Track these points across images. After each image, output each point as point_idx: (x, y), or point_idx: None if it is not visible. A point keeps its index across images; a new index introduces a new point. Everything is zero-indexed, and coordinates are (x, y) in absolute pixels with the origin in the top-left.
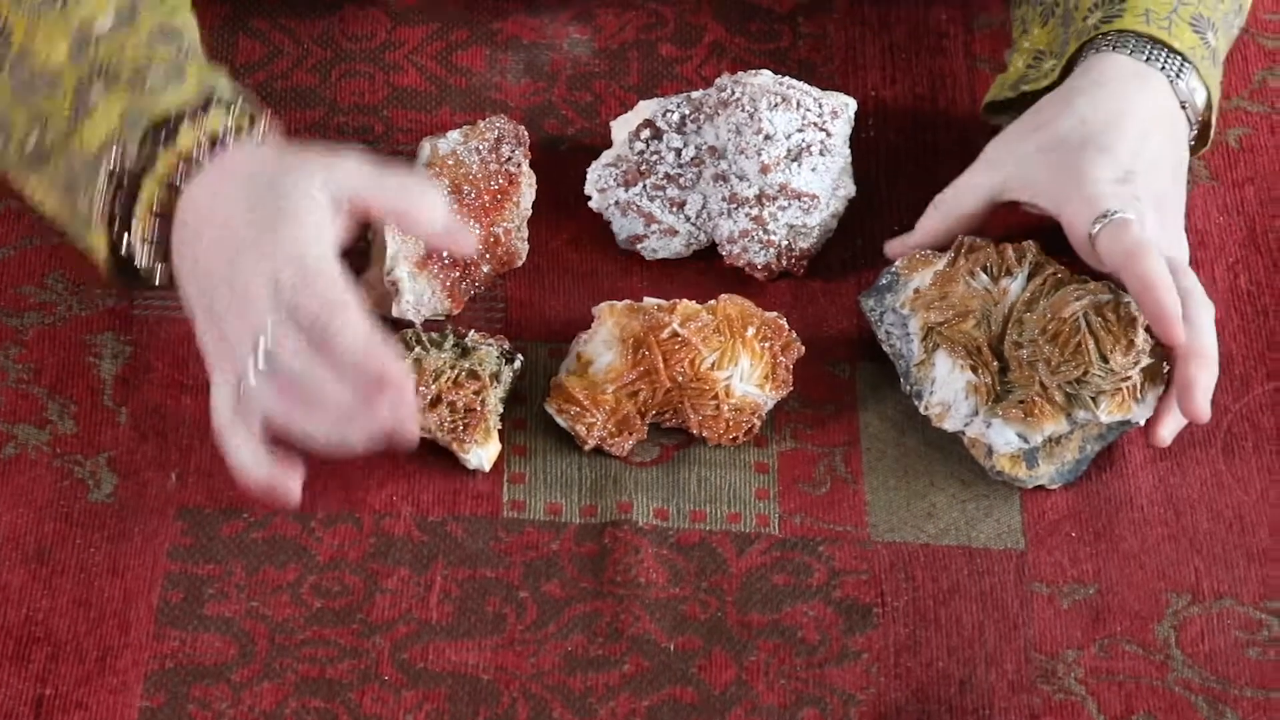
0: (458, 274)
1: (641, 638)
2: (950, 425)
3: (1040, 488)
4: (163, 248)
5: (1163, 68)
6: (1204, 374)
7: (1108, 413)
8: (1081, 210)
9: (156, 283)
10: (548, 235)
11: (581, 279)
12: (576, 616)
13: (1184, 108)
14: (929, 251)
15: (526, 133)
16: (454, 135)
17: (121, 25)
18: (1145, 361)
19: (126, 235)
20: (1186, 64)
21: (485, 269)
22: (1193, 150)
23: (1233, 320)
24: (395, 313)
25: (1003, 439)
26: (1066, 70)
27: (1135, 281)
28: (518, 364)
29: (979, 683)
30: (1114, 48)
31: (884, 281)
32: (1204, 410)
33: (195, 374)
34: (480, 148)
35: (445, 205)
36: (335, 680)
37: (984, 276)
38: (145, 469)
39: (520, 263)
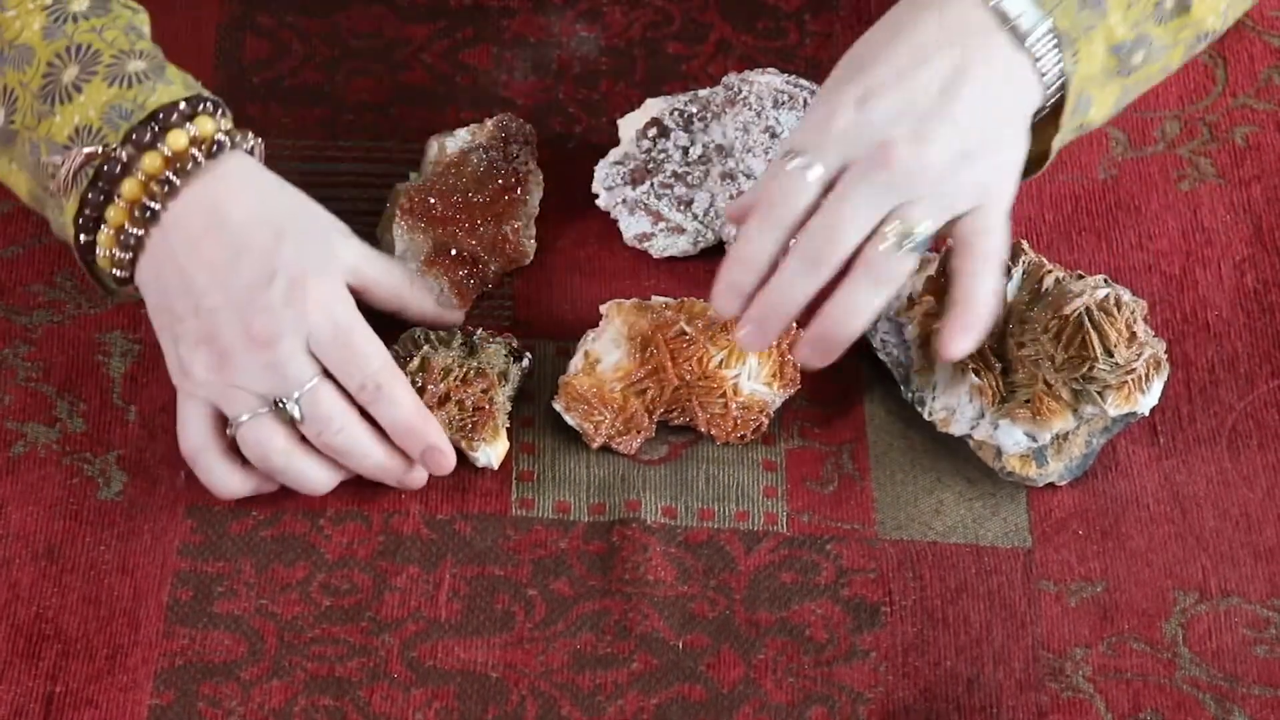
0: (465, 272)
1: (650, 636)
2: (957, 429)
3: (1050, 485)
4: (132, 252)
5: None
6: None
7: (1115, 406)
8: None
9: (110, 287)
10: (555, 233)
11: (589, 277)
12: (585, 615)
13: (1020, 39)
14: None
15: (534, 131)
16: (462, 133)
17: (98, 9)
18: (1148, 352)
19: (88, 234)
20: None
21: (493, 267)
22: (1039, 126)
23: (1239, 318)
24: None
25: (1011, 439)
26: None
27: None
28: (525, 362)
29: (987, 681)
30: None
31: None
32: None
33: None
34: (488, 146)
35: (432, 302)
36: (344, 678)
37: None
38: (154, 467)
39: (528, 261)
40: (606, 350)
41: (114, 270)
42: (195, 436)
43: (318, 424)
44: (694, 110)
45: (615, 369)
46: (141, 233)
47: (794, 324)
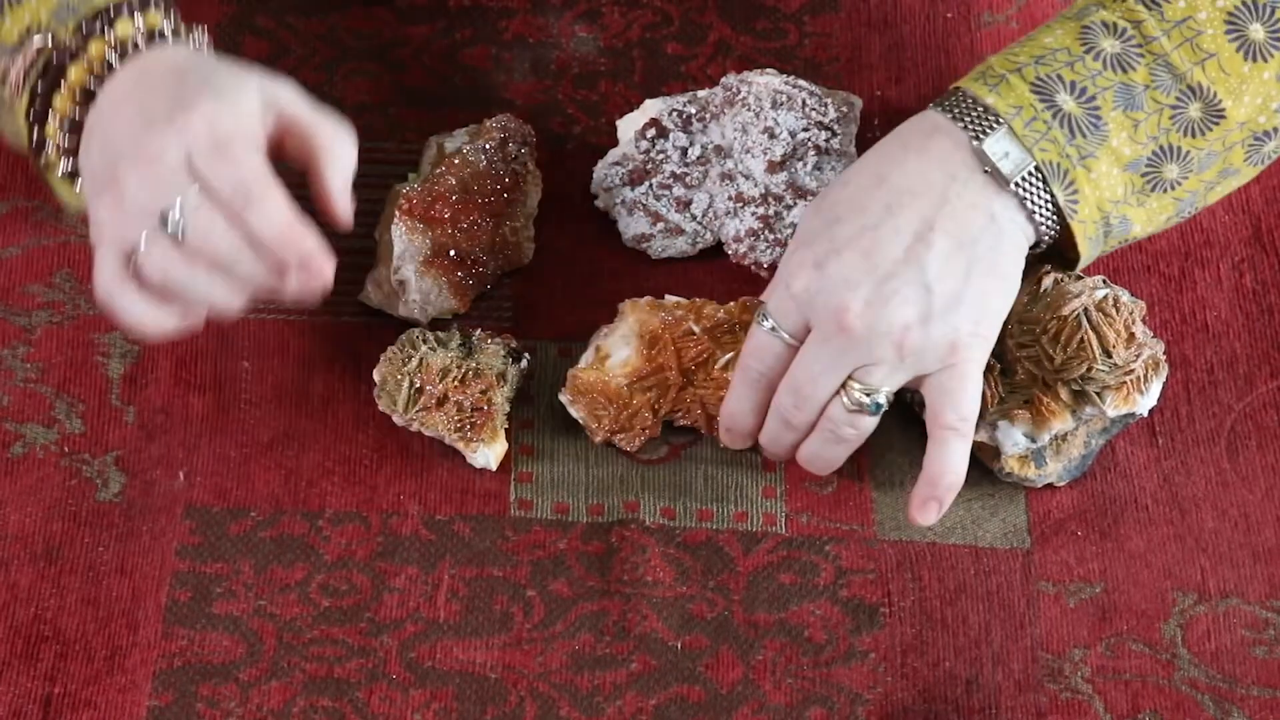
0: (464, 272)
1: (648, 636)
2: None
3: (1048, 486)
4: (76, 136)
5: (965, 126)
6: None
7: (1114, 406)
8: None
9: (63, 194)
10: (554, 234)
11: (588, 278)
12: (584, 615)
13: (1012, 185)
14: None
15: (533, 131)
16: (460, 134)
17: None
18: (1147, 353)
19: (39, 127)
20: (998, 122)
21: (492, 268)
22: (1049, 248)
23: (1237, 319)
24: (402, 312)
25: (1011, 440)
26: None
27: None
28: (524, 363)
29: (986, 682)
30: (936, 105)
31: None
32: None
33: (203, 373)
34: (487, 146)
35: (354, 163)
36: (343, 679)
37: None
38: (153, 468)
39: (527, 261)
40: (617, 347)
41: (61, 163)
42: (105, 279)
43: (199, 232)
44: (693, 111)
45: (623, 365)
46: (81, 118)
47: None
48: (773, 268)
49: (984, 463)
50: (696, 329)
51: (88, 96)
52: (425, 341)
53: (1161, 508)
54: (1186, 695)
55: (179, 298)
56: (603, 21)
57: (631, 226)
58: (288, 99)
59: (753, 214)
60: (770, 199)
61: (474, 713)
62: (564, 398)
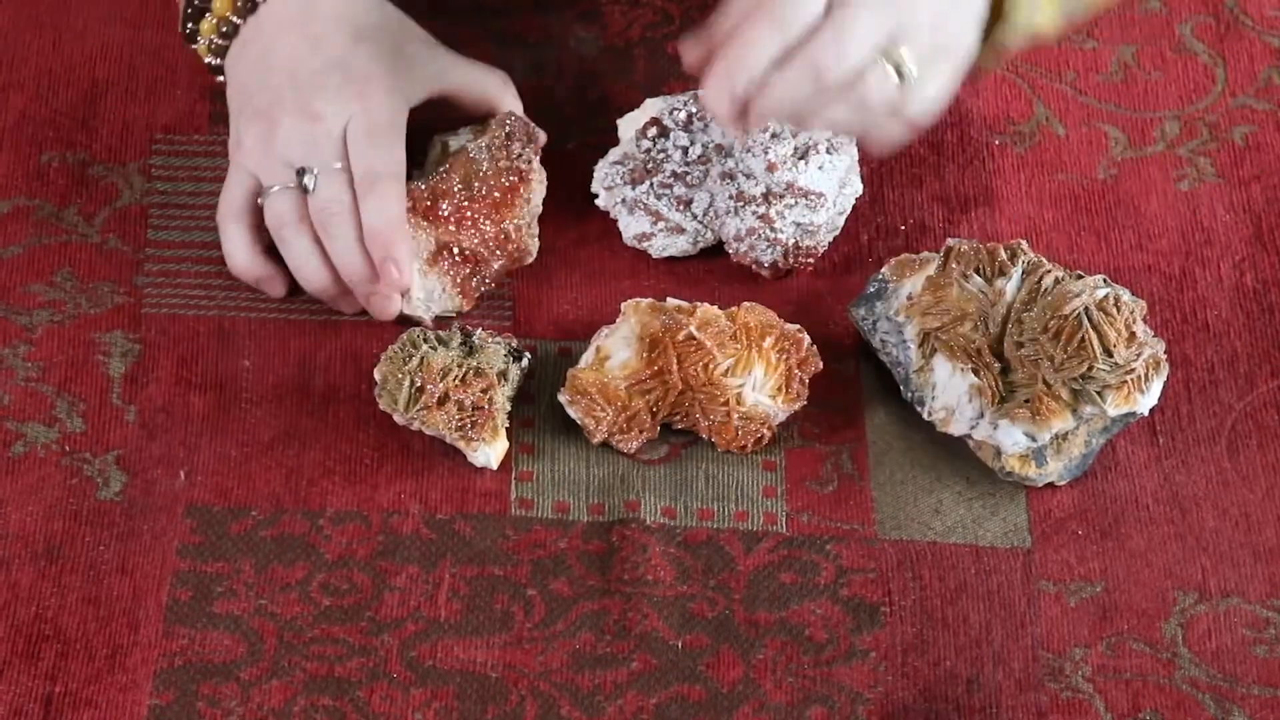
0: (468, 270)
1: (649, 636)
2: (956, 429)
3: (1049, 485)
4: (228, 40)
5: None
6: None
7: (1114, 405)
8: None
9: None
10: (555, 233)
11: (589, 277)
12: (584, 614)
13: None
14: (917, 257)
15: (539, 130)
16: (465, 132)
17: None
18: (1148, 352)
19: (193, 22)
20: None
21: (496, 265)
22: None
23: (1238, 318)
24: (406, 310)
25: (1011, 439)
26: None
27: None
28: (525, 362)
29: (986, 681)
30: None
31: (872, 290)
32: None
33: (204, 372)
34: (491, 144)
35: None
36: (344, 678)
37: (978, 279)
38: (153, 467)
39: (531, 259)
40: (617, 348)
41: (209, 58)
42: (231, 202)
43: (321, 200)
44: (694, 110)
45: (623, 367)
46: (240, 21)
47: (807, 337)
48: (773, 266)
49: (984, 462)
50: (697, 333)
51: (249, 6)
52: (426, 341)
53: (1162, 507)
54: (1187, 694)
55: (279, 253)
56: (603, 21)
57: (632, 225)
58: (453, 81)
59: (753, 213)
60: (771, 198)
61: (475, 712)
62: (563, 398)
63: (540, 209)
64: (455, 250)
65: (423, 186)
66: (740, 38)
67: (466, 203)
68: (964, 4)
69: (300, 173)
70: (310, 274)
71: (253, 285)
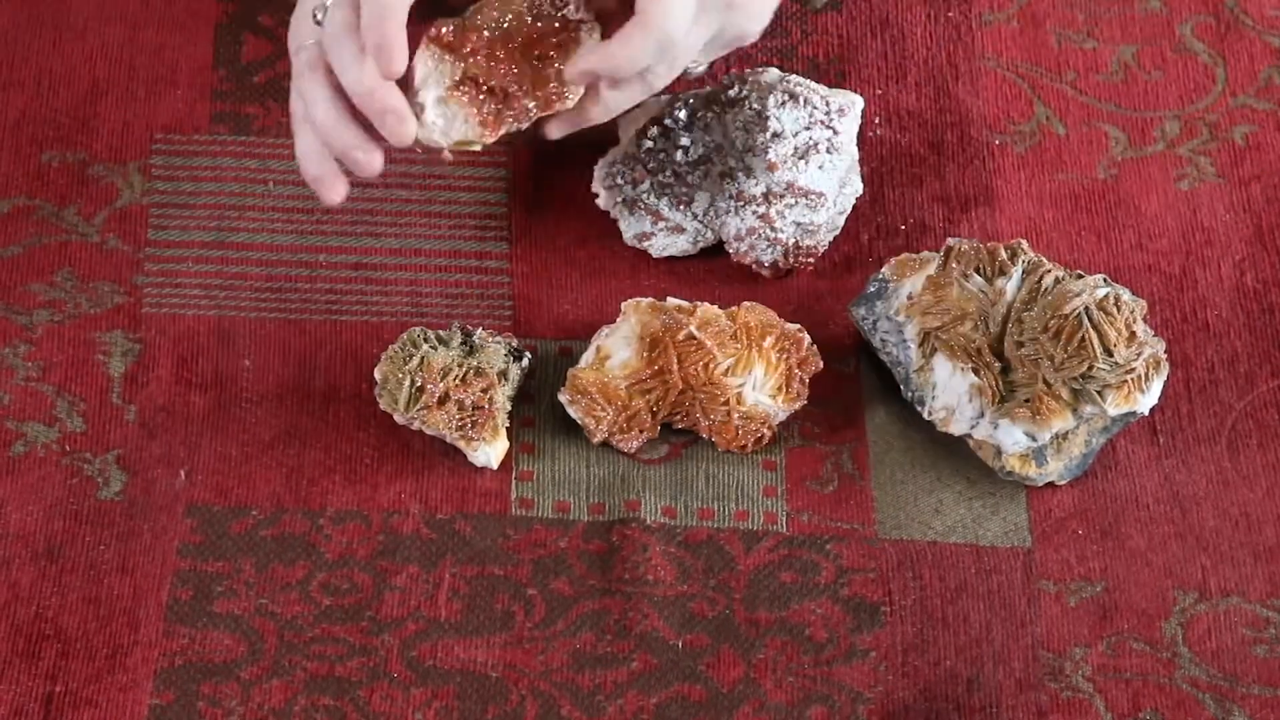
0: (494, 104)
1: (649, 635)
2: (956, 429)
3: (1049, 484)
4: None
5: None
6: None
7: (1115, 405)
8: None
9: None
10: (555, 232)
11: (589, 276)
12: (585, 614)
13: None
14: (917, 257)
15: None
16: None
17: None
18: (1148, 352)
19: None
20: None
21: (530, 104)
22: None
23: (1238, 318)
24: (421, 136)
25: (1011, 439)
26: None
27: (631, 42)
28: (525, 362)
29: (987, 681)
30: None
31: (872, 289)
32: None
33: (204, 371)
34: None
35: None
36: (344, 678)
37: (978, 278)
38: (154, 467)
39: (569, 104)
40: (618, 347)
41: None
42: (296, 106)
43: (328, 29)
44: (695, 110)
45: (623, 367)
46: None
47: (807, 337)
48: (774, 266)
49: (985, 461)
50: (698, 333)
51: None
52: (426, 340)
53: (1162, 506)
54: (1187, 694)
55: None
56: (602, 20)
57: (633, 225)
58: None
59: (753, 213)
60: (771, 198)
61: (475, 712)
62: (563, 397)
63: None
64: (482, 82)
65: (451, 25)
66: (625, 48)
67: (499, 39)
68: None
69: (321, 6)
70: (320, 115)
71: (312, 185)
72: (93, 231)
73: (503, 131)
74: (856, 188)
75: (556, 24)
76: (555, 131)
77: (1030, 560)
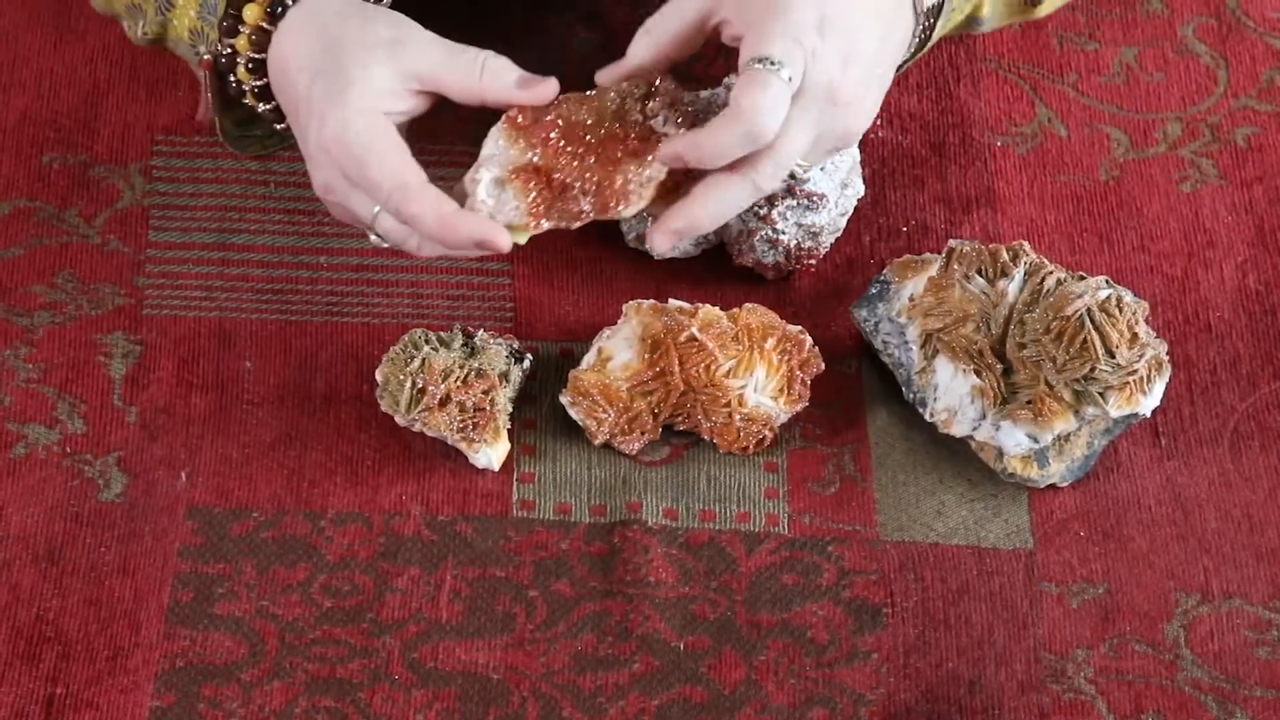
0: (549, 196)
1: (651, 637)
2: (958, 430)
3: (1051, 486)
4: (265, 91)
5: None
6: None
7: (1117, 407)
8: (753, 42)
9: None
10: (555, 234)
11: (591, 278)
12: (586, 616)
13: None
14: (918, 258)
15: (687, 102)
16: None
17: None
18: (1150, 353)
19: (234, 82)
20: None
21: (586, 204)
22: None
23: (1240, 319)
24: (470, 207)
25: (1013, 440)
26: None
27: (719, 131)
28: (526, 363)
29: (988, 682)
30: None
31: (874, 291)
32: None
33: (205, 373)
34: (629, 93)
35: (511, 66)
36: (345, 679)
37: (980, 280)
38: (155, 468)
39: (624, 213)
40: (619, 349)
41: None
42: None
43: (398, 238)
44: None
45: (625, 368)
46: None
47: (809, 339)
48: (775, 267)
49: (987, 463)
50: (699, 335)
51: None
52: (428, 342)
53: (1164, 508)
54: (1190, 696)
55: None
56: (605, 22)
57: (634, 227)
58: (424, 63)
59: (755, 214)
60: (773, 199)
61: (476, 713)
62: (564, 399)
63: (663, 176)
64: (544, 173)
65: (531, 109)
66: (713, 131)
67: (577, 134)
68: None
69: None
70: (430, 253)
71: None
72: (94, 233)
73: (548, 227)
74: (858, 189)
75: (636, 131)
76: (662, 244)
77: (1032, 562)
